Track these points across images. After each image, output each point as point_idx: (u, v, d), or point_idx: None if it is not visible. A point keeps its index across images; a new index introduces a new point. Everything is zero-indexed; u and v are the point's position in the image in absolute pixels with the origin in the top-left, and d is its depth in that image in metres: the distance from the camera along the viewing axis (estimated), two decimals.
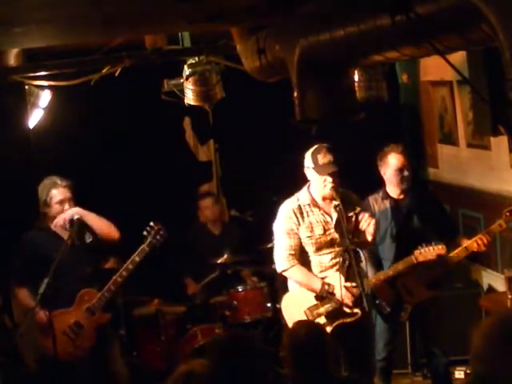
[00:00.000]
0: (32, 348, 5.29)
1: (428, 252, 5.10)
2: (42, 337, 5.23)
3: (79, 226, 5.28)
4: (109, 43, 5.59)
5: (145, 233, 5.46)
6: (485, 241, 5.17)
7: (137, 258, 5.37)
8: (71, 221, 5.26)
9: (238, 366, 2.84)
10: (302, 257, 4.99)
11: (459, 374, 6.14)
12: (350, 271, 4.89)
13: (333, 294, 4.87)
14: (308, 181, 5.02)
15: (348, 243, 4.80)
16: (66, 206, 5.31)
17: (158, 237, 5.45)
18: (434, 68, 6.94)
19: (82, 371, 5.27)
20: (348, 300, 4.86)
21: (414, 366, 6.41)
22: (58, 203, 5.30)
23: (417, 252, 5.12)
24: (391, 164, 5.42)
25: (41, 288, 4.94)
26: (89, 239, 5.39)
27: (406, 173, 5.42)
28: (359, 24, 3.19)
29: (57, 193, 5.30)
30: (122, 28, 4.50)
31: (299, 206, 4.98)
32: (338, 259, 4.94)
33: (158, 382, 6.14)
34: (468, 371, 6.13)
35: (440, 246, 5.11)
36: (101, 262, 5.64)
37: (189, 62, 5.50)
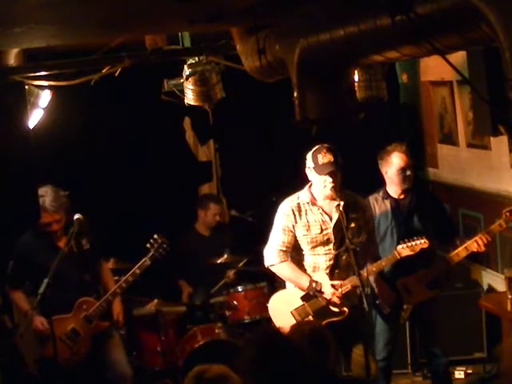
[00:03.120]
0: (32, 348, 5.30)
1: (411, 247, 5.09)
2: (40, 342, 5.23)
3: (80, 225, 5.27)
4: (109, 43, 5.59)
5: (148, 245, 5.45)
6: (485, 241, 5.16)
7: (137, 271, 5.38)
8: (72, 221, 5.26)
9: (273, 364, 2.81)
10: (297, 256, 5.00)
11: (459, 374, 6.14)
12: (343, 272, 4.91)
13: (320, 291, 4.88)
14: (309, 180, 5.03)
15: (348, 243, 4.80)
16: (55, 226, 5.27)
17: (160, 250, 5.45)
18: (434, 68, 6.94)
19: (80, 373, 5.28)
20: (336, 298, 4.86)
21: (414, 366, 6.42)
22: (45, 224, 5.26)
23: (399, 247, 5.10)
24: (394, 163, 5.41)
25: (40, 288, 4.94)
26: (86, 245, 5.38)
27: (408, 172, 5.42)
28: (359, 24, 3.19)
29: (44, 215, 5.21)
30: (122, 28, 4.50)
31: (298, 204, 4.99)
32: (332, 262, 4.94)
33: (158, 382, 6.15)
34: (468, 371, 6.15)
35: (423, 240, 5.08)
36: (99, 268, 5.61)
37: (189, 62, 5.49)
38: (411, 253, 5.08)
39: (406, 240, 5.09)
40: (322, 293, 4.89)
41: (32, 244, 5.32)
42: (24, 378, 5.41)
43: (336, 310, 4.91)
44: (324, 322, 4.86)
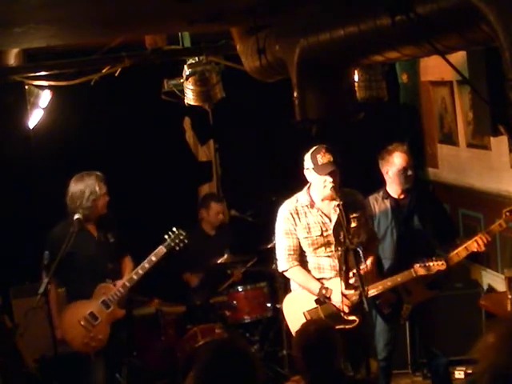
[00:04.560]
0: (32, 348, 5.30)
1: (428, 267, 5.07)
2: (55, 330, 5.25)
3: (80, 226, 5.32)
4: (109, 43, 5.59)
5: (166, 236, 5.53)
6: (485, 241, 5.16)
7: (153, 258, 5.45)
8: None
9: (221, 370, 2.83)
10: (302, 258, 5.00)
11: (459, 373, 6.14)
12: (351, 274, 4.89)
13: (329, 299, 4.87)
14: (307, 181, 5.02)
15: (348, 243, 4.79)
16: (105, 208, 5.43)
17: (177, 241, 5.54)
18: (434, 68, 6.94)
19: (85, 369, 5.30)
20: (346, 307, 4.84)
21: (414, 366, 6.41)
22: (105, 194, 5.40)
23: (417, 266, 5.08)
24: (396, 163, 5.40)
25: (40, 288, 4.94)
26: (112, 239, 5.49)
27: (409, 172, 5.41)
28: (359, 24, 3.19)
29: (103, 185, 5.39)
30: (122, 28, 4.51)
31: (296, 207, 4.98)
32: (336, 262, 4.93)
33: (158, 382, 6.15)
34: (468, 371, 6.14)
35: (441, 262, 5.07)
36: (119, 259, 5.67)
37: (189, 62, 5.50)
38: (428, 273, 5.09)
39: (425, 259, 5.09)
40: (331, 300, 4.87)
41: (67, 232, 5.33)
42: (24, 378, 5.42)
43: (346, 318, 4.88)
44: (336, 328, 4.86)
